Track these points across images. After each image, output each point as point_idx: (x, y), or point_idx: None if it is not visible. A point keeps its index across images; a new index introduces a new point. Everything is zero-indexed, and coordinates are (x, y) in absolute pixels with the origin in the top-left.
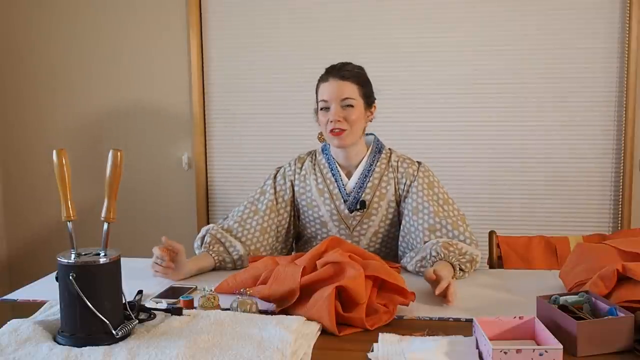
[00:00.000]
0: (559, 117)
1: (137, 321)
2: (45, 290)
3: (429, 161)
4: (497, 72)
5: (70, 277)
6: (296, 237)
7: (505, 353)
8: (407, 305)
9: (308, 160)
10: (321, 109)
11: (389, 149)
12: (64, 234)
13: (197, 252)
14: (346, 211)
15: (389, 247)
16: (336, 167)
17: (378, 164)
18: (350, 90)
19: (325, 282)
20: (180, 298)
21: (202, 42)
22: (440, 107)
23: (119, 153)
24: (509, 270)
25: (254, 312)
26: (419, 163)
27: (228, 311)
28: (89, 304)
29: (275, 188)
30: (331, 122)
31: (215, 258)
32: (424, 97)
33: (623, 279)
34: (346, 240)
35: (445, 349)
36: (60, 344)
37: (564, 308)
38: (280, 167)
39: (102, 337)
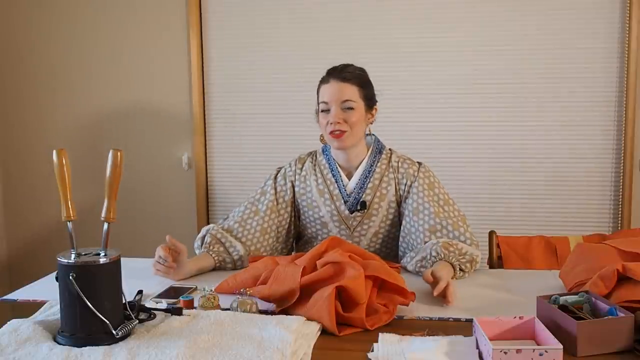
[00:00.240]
0: (559, 117)
1: (137, 321)
2: (45, 290)
3: (429, 161)
4: (497, 72)
5: (70, 277)
6: (296, 237)
7: (505, 353)
8: (407, 305)
9: (308, 160)
10: (322, 110)
11: (390, 149)
12: (64, 234)
13: (197, 252)
14: (346, 212)
15: (390, 248)
16: (336, 167)
17: (378, 164)
18: (351, 92)
19: (325, 282)
20: (180, 298)
21: (202, 42)
22: (440, 107)
23: (119, 153)
24: (509, 270)
25: (254, 312)
26: (420, 163)
27: (228, 311)
28: (89, 304)
29: (275, 189)
30: (331, 124)
31: (216, 258)
32: (424, 97)
33: (623, 279)
34: (346, 241)
35: (445, 349)
36: (60, 344)
37: (564, 308)
38: (280, 168)
39: (102, 337)
